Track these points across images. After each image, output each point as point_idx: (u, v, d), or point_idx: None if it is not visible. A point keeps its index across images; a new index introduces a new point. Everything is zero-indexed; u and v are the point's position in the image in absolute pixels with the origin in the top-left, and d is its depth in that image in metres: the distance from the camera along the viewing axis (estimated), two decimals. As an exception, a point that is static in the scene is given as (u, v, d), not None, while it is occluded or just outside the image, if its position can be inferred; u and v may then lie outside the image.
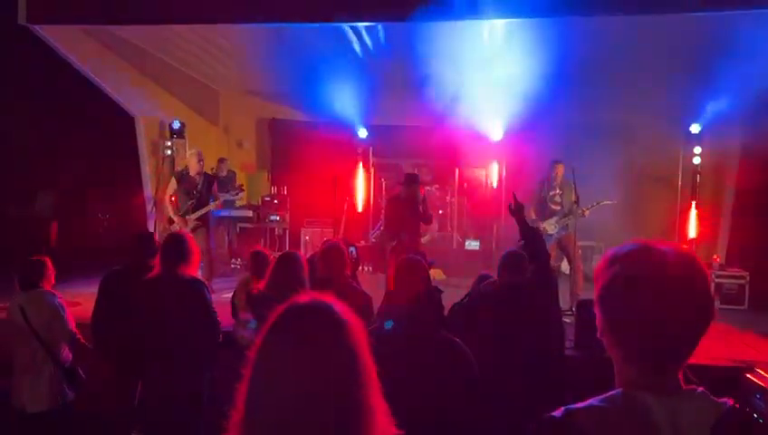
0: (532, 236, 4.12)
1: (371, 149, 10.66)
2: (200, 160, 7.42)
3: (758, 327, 6.64)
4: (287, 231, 10.39)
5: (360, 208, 10.44)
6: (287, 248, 9.76)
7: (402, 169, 10.48)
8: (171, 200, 7.31)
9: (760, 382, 4.63)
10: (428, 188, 10.17)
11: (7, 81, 9.40)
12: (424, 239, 7.40)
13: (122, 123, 9.45)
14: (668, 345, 1.23)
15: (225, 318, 4.32)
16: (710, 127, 8.67)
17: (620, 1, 6.15)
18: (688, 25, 6.95)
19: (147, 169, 9.67)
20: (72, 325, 4.26)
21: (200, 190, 7.31)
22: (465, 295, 4.19)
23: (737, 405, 1.22)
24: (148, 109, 9.55)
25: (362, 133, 10.53)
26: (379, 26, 7.76)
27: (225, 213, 9.39)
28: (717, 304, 7.87)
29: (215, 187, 7.66)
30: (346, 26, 7.59)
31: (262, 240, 10.18)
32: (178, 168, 8.39)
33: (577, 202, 7.13)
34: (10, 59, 8.80)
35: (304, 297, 1.25)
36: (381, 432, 1.20)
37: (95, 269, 5.96)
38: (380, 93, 9.82)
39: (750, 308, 7.75)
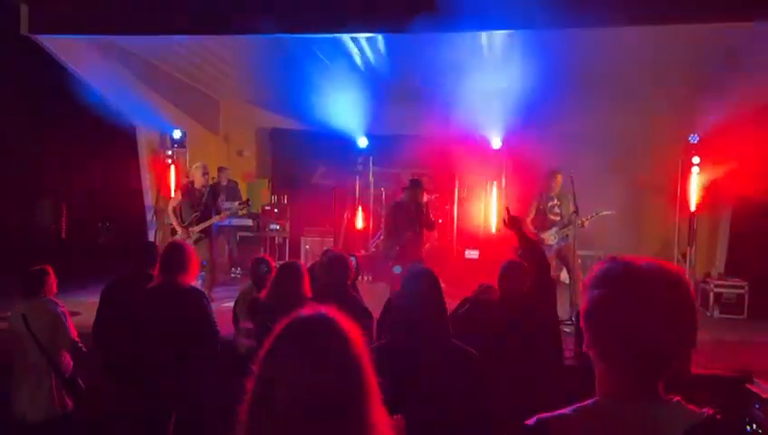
0: (531, 249, 4.12)
1: (371, 158, 10.70)
2: (205, 174, 7.48)
3: (757, 337, 6.65)
4: (287, 240, 10.41)
5: (359, 218, 10.46)
6: (287, 257, 9.78)
7: (402, 178, 10.50)
8: (175, 212, 7.36)
9: (759, 392, 4.64)
10: (429, 196, 10.19)
11: (8, 90, 9.44)
12: (424, 248, 7.41)
13: (123, 132, 9.47)
14: (650, 358, 1.28)
15: (224, 327, 4.33)
16: (709, 136, 8.70)
17: (616, 13, 6.17)
18: (688, 36, 7.00)
19: (147, 178, 9.71)
20: (74, 334, 4.26)
21: (205, 203, 7.34)
22: (461, 303, 4.19)
23: (718, 416, 1.26)
24: (149, 118, 9.58)
25: (362, 143, 10.56)
26: (379, 37, 7.80)
27: (225, 222, 9.41)
28: (717, 313, 7.89)
29: (219, 199, 7.69)
30: (346, 37, 7.63)
31: (262, 249, 10.20)
32: (182, 180, 8.42)
33: (576, 212, 7.15)
34: (11, 68, 8.84)
35: (308, 310, 1.27)
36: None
37: (96, 278, 5.98)
38: (380, 103, 9.86)
39: (749, 317, 7.76)
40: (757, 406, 4.55)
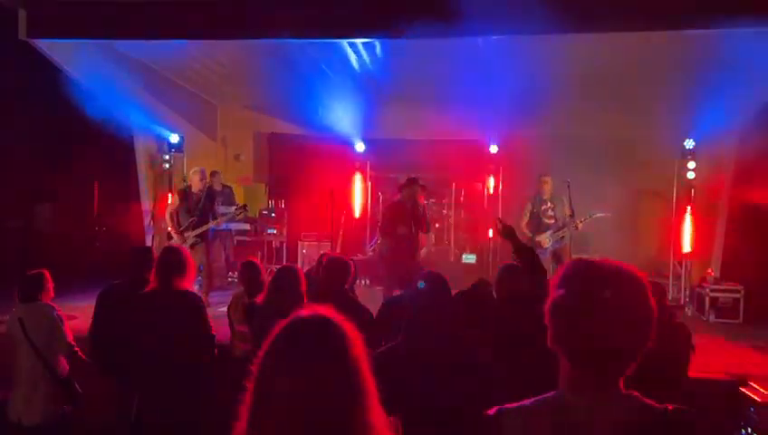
0: (528, 257, 4.13)
1: (369, 162, 10.71)
2: (203, 178, 7.49)
3: (753, 340, 6.67)
4: (284, 244, 10.40)
5: (356, 221, 10.47)
6: (284, 262, 9.77)
7: (399, 183, 10.51)
8: (172, 217, 7.35)
9: (754, 396, 4.66)
10: (426, 201, 10.20)
11: (7, 95, 9.44)
12: (421, 253, 7.42)
13: (121, 137, 9.47)
14: (607, 355, 1.34)
15: (221, 331, 4.33)
16: (705, 141, 8.74)
17: (611, 19, 6.21)
18: (684, 41, 7.03)
19: (145, 182, 9.70)
20: (71, 338, 4.27)
21: (201, 207, 7.34)
22: (456, 295, 4.20)
23: (679, 410, 1.33)
24: (147, 122, 9.58)
25: (360, 147, 10.58)
26: (377, 42, 7.83)
27: (222, 227, 9.40)
28: (712, 317, 7.91)
29: (216, 204, 7.69)
30: (344, 42, 7.66)
31: (259, 253, 10.18)
32: (180, 185, 8.42)
33: (572, 215, 7.18)
34: (10, 73, 8.84)
35: (306, 311, 1.28)
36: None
37: (93, 283, 5.97)
38: (378, 107, 9.88)
39: (745, 322, 7.78)
40: (752, 410, 4.56)
